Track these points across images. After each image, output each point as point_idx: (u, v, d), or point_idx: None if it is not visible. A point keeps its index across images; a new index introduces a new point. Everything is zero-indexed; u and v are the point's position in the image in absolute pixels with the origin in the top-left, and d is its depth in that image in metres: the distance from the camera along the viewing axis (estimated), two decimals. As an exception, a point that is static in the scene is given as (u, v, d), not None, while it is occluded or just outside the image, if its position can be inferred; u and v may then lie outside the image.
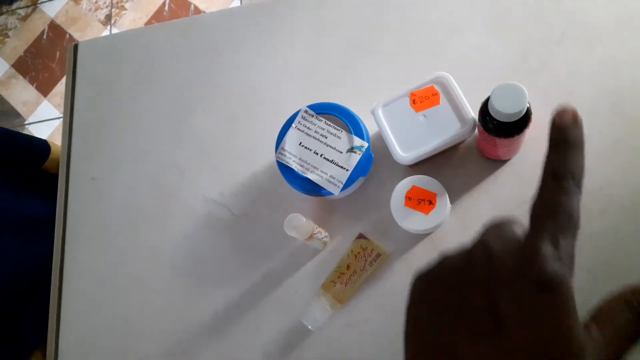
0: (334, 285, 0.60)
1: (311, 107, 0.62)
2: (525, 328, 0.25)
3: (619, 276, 0.54)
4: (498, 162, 0.61)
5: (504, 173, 0.60)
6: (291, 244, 0.64)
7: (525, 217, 0.60)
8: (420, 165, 0.60)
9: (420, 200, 0.55)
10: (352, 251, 0.61)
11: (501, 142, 0.54)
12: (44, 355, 0.68)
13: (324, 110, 0.61)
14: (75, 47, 0.82)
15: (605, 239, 0.56)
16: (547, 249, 0.25)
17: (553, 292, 0.24)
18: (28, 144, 0.98)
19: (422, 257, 0.60)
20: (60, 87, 2.08)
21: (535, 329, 0.25)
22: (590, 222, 0.56)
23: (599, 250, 0.55)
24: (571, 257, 0.26)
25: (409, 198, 0.56)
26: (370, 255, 0.60)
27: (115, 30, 2.08)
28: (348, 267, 0.60)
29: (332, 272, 0.61)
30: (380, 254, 0.60)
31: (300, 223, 0.55)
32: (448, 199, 0.55)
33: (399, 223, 0.56)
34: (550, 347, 0.24)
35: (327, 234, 0.62)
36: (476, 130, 0.58)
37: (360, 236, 0.61)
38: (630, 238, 0.55)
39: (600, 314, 0.27)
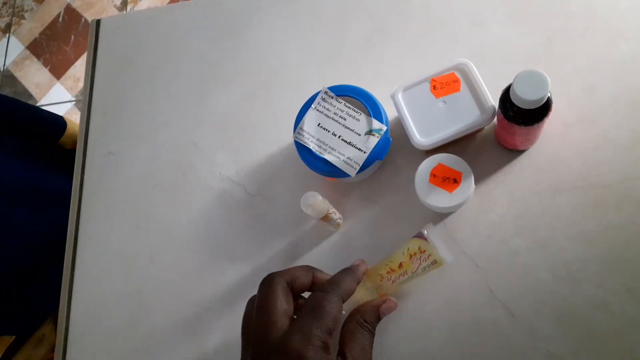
0: (380, 280, 0.53)
1: (331, 88, 0.62)
2: None
3: (632, 270, 0.54)
4: (515, 152, 0.61)
5: (520, 163, 0.61)
6: (305, 224, 0.65)
7: (540, 206, 0.60)
8: (437, 152, 0.60)
9: (445, 178, 0.56)
10: (408, 249, 0.53)
11: (520, 130, 0.54)
12: (55, 325, 0.69)
13: (343, 92, 0.62)
14: (98, 23, 0.83)
15: (621, 233, 0.56)
16: (298, 336, 0.38)
17: None
18: (45, 118, 0.99)
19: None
20: (74, 70, 2.09)
21: None
22: (606, 215, 0.56)
23: (614, 244, 0.55)
24: (322, 340, 0.38)
25: (434, 175, 0.56)
26: (426, 260, 0.53)
27: (131, 16, 2.08)
28: (400, 265, 0.53)
29: (381, 264, 0.54)
30: (437, 262, 0.53)
31: (316, 201, 0.55)
32: (473, 179, 0.55)
33: (422, 200, 0.56)
34: None
35: (341, 216, 0.62)
36: (495, 119, 0.58)
37: (420, 236, 0.54)
38: (645, 232, 0.55)
39: (345, 340, 0.41)
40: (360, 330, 0.41)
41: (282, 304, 0.40)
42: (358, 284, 0.46)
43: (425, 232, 0.53)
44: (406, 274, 0.53)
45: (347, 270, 0.46)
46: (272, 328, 0.38)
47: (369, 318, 0.42)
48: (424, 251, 0.53)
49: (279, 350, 0.37)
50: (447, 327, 0.57)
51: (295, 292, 0.44)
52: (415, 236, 0.54)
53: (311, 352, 0.36)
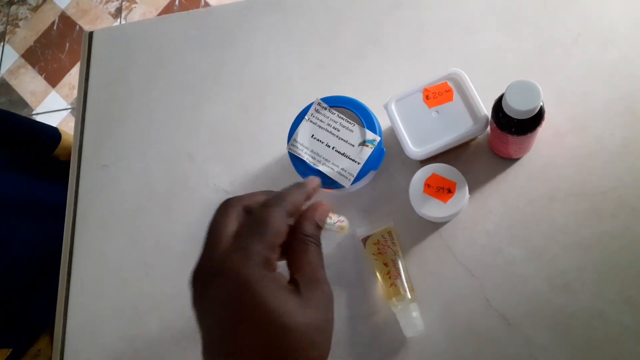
0: (396, 285, 0.57)
1: (324, 99, 0.62)
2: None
3: (627, 278, 0.54)
4: (508, 161, 0.61)
5: (513, 171, 0.61)
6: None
7: (535, 214, 0.60)
8: (431, 161, 0.60)
9: (439, 188, 0.56)
10: (372, 254, 0.59)
11: (513, 139, 0.54)
12: (52, 339, 0.68)
13: (337, 103, 0.62)
14: (91, 35, 0.83)
15: (615, 240, 0.56)
16: (237, 254, 0.34)
17: (245, 288, 0.32)
18: (39, 130, 0.99)
19: (431, 252, 0.60)
20: (69, 78, 2.09)
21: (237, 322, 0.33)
22: (601, 223, 0.57)
23: (609, 252, 0.56)
24: (262, 257, 0.34)
25: (428, 185, 0.56)
26: (386, 241, 0.59)
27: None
28: (385, 264, 0.58)
29: (381, 281, 0.59)
30: (389, 231, 0.60)
31: None
32: (467, 189, 0.55)
33: (417, 210, 0.57)
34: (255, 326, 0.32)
35: (342, 218, 0.58)
36: (488, 128, 0.58)
37: (364, 240, 0.61)
38: None
39: (293, 263, 0.37)
40: (305, 247, 0.37)
41: (232, 227, 0.37)
42: (309, 197, 0.41)
43: (361, 234, 0.61)
44: (394, 261, 0.59)
45: (297, 184, 0.41)
46: (215, 250, 0.35)
47: (309, 230, 0.38)
48: (378, 241, 0.60)
49: (217, 272, 0.34)
50: (443, 337, 0.57)
51: None
52: (364, 245, 0.61)
53: (250, 269, 0.33)
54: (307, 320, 0.34)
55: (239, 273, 0.33)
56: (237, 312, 0.32)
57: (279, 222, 0.36)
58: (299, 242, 0.38)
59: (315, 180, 0.43)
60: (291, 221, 0.38)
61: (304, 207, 0.41)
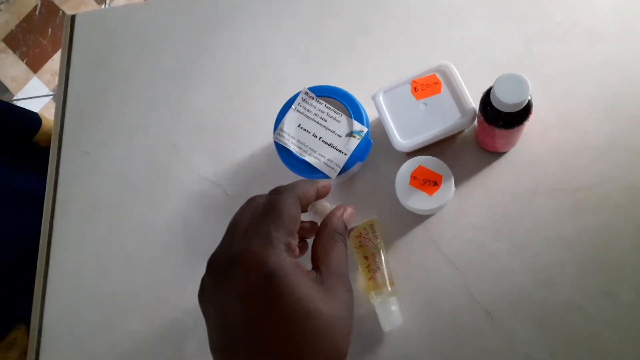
0: (375, 279, 0.56)
1: (312, 89, 0.61)
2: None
3: (608, 273, 0.55)
4: (495, 155, 0.61)
5: (500, 165, 0.61)
6: (284, 226, 0.64)
7: (519, 209, 0.60)
8: (418, 154, 0.60)
9: (425, 181, 0.56)
10: (354, 247, 0.59)
11: (500, 133, 0.54)
12: (28, 328, 0.67)
13: (324, 93, 0.61)
14: (73, 19, 0.81)
15: (598, 236, 0.56)
16: (257, 240, 0.34)
17: (271, 275, 0.32)
18: (19, 114, 0.96)
19: (415, 245, 0.60)
20: (51, 64, 2.05)
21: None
22: (584, 219, 0.57)
23: (590, 247, 0.56)
24: (284, 242, 0.34)
25: (414, 177, 0.56)
26: (368, 234, 0.59)
27: (110, 9, 2.04)
28: (366, 257, 0.58)
29: (361, 273, 0.58)
30: (372, 224, 0.59)
31: (323, 209, 0.51)
32: (453, 182, 0.55)
33: (402, 202, 0.56)
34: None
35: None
36: (475, 121, 0.58)
37: (349, 231, 0.59)
38: (622, 236, 0.55)
39: (319, 256, 0.37)
40: (333, 243, 0.38)
41: (296, 211, 0.37)
42: (319, 195, 0.42)
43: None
44: (374, 255, 0.58)
45: (306, 179, 0.42)
46: (233, 238, 0.36)
47: (339, 228, 0.39)
48: (360, 234, 0.58)
49: (236, 260, 0.33)
50: (426, 330, 0.57)
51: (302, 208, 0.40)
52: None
53: (274, 256, 0.32)
54: (330, 310, 0.33)
55: (262, 260, 0.32)
56: (262, 301, 0.31)
57: (293, 208, 0.36)
58: (327, 236, 0.38)
59: (326, 181, 0.44)
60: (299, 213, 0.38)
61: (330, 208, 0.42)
